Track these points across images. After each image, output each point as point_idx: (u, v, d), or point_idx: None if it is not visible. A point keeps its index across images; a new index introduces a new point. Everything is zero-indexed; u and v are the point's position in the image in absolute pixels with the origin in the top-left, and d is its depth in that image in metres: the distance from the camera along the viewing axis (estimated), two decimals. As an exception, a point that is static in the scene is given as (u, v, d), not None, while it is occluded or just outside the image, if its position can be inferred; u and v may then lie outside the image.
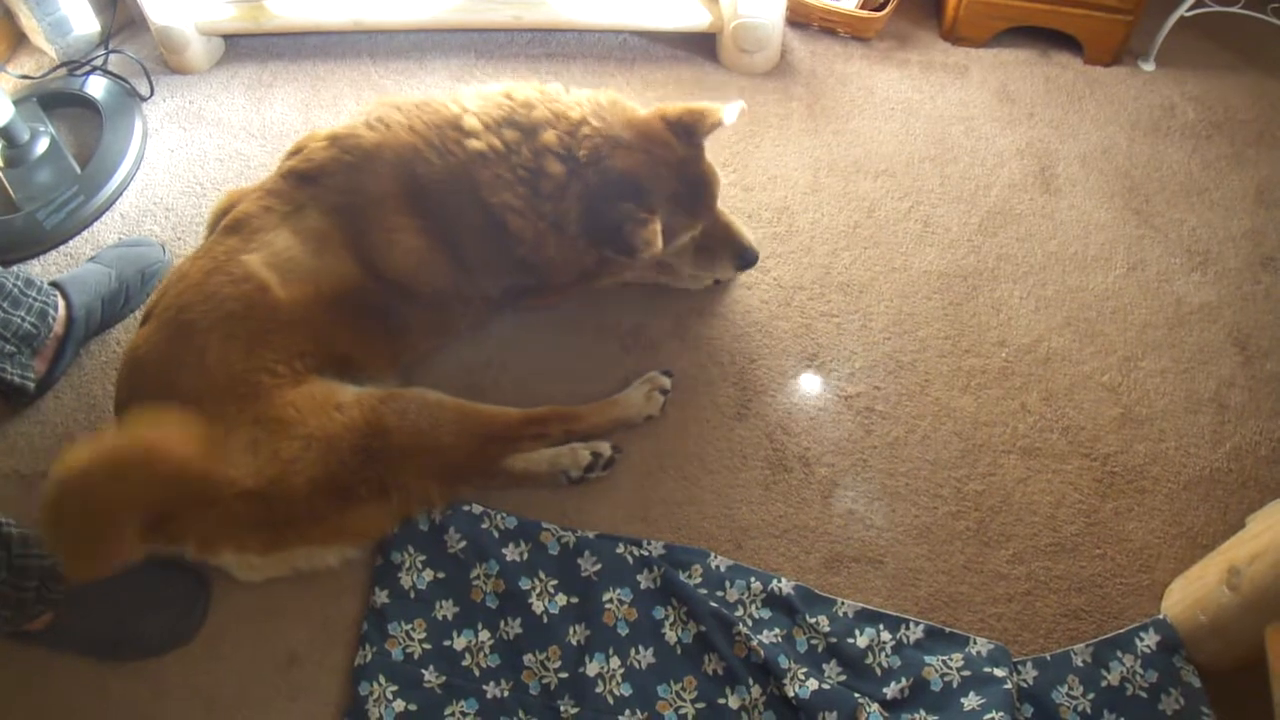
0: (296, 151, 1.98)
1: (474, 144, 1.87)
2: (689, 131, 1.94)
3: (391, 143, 1.89)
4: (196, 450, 1.62)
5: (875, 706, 1.72)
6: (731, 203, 2.42)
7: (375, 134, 1.90)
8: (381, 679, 1.79)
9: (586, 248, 1.95)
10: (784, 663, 1.76)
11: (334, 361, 1.87)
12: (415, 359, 2.09)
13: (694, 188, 1.97)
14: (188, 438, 1.61)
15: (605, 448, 2.00)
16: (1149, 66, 2.76)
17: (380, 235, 1.89)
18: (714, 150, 2.48)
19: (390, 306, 1.94)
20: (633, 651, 1.81)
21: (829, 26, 2.81)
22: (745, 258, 2.10)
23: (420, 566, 1.89)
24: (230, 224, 1.90)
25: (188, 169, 2.56)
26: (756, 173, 2.49)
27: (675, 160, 1.92)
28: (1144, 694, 1.76)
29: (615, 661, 1.80)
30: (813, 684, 1.74)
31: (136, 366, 1.80)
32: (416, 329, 2.02)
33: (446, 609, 1.87)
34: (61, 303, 2.13)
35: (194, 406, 1.70)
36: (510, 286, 2.07)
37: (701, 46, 2.78)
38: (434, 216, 1.90)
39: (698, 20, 2.68)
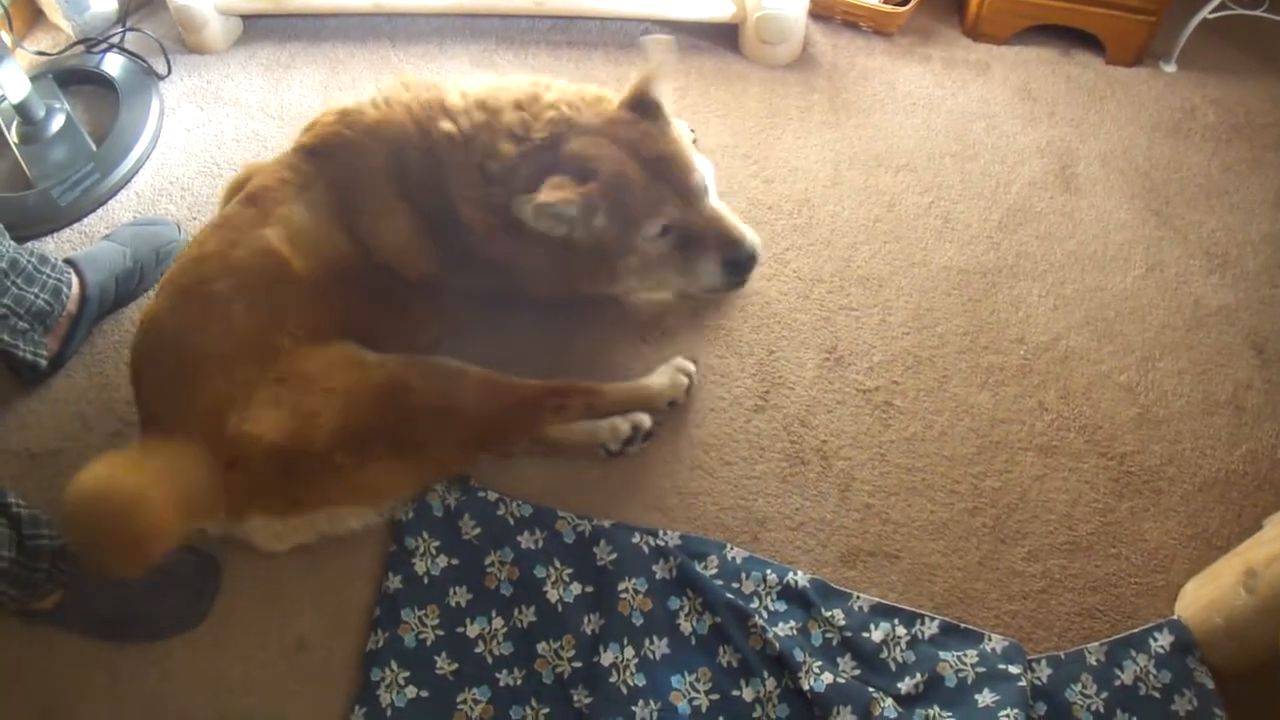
0: (311, 127, 1.99)
1: (446, 126, 1.84)
2: (639, 101, 1.84)
3: (388, 121, 1.89)
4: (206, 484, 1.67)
5: (889, 701, 1.72)
6: (752, 194, 2.41)
7: (377, 112, 1.91)
8: (393, 665, 1.79)
9: (537, 243, 1.84)
10: (799, 655, 1.76)
11: (347, 333, 1.88)
12: (426, 341, 2.07)
13: (656, 168, 1.82)
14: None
15: (645, 420, 1.99)
16: (1170, 68, 2.74)
17: (370, 213, 1.89)
18: (736, 141, 2.50)
19: (390, 288, 1.94)
20: (647, 642, 1.81)
21: (852, 20, 2.79)
22: (734, 260, 1.90)
23: (434, 552, 1.88)
24: (248, 196, 1.91)
25: (204, 149, 2.55)
26: (777, 165, 2.48)
27: (631, 140, 1.81)
28: (1157, 694, 1.76)
29: (629, 651, 1.79)
30: (827, 677, 1.74)
31: (156, 334, 1.81)
32: (419, 313, 2.01)
33: (460, 596, 1.86)
34: (75, 280, 2.12)
35: (218, 371, 1.72)
36: (487, 286, 2.04)
37: (723, 37, 2.77)
38: (418, 199, 1.89)
39: (720, 11, 2.67)
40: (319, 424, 1.73)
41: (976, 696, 1.75)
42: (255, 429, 1.70)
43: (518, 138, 1.81)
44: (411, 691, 1.77)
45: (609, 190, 1.78)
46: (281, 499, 1.76)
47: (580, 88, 1.89)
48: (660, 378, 2.06)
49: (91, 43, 2.76)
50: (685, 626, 1.83)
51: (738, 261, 1.91)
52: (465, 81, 1.92)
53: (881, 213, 2.40)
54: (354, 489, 1.80)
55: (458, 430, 1.87)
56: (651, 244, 1.87)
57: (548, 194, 1.73)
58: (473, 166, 1.83)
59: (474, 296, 2.08)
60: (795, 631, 1.83)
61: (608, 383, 2.04)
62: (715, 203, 1.93)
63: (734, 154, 2.49)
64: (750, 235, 1.92)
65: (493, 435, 1.93)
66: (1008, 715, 1.69)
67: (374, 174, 1.88)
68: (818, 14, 2.80)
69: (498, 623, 1.84)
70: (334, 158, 1.90)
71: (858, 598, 1.87)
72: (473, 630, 1.83)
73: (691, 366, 2.08)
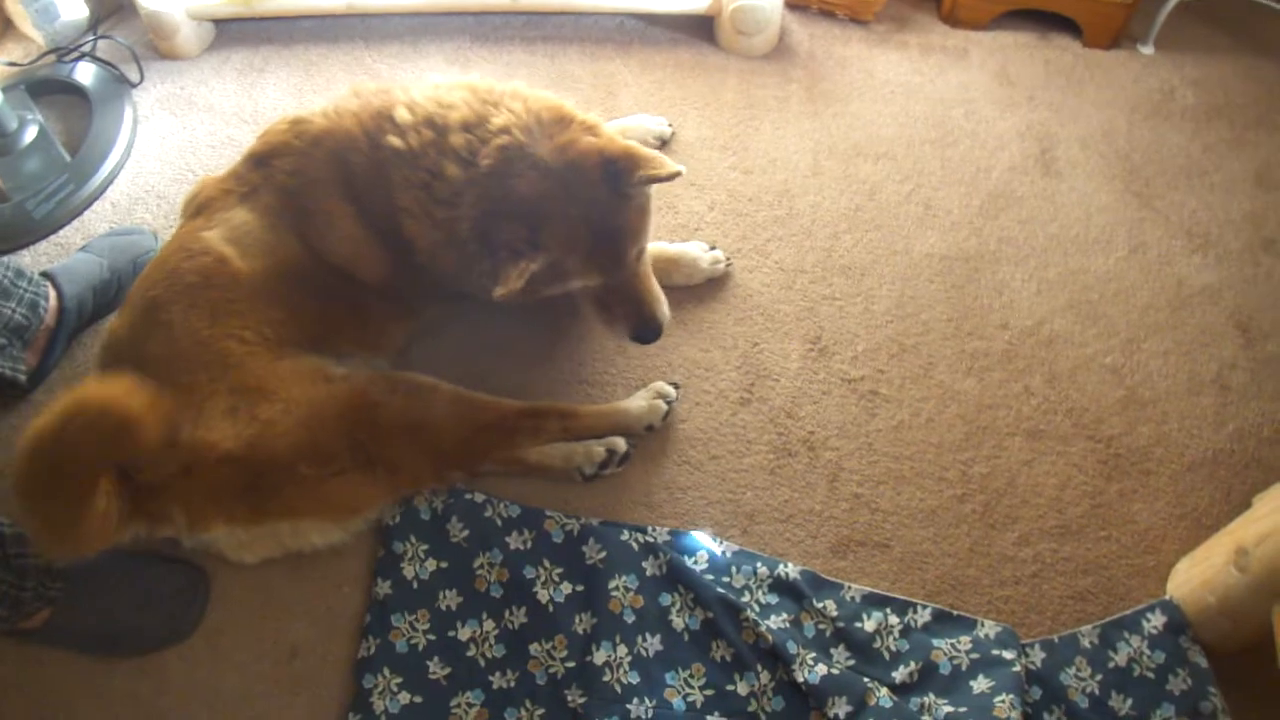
0: (263, 136, 1.98)
1: (394, 141, 1.80)
2: (617, 176, 1.72)
3: (335, 130, 1.86)
4: (152, 398, 1.57)
5: (884, 690, 1.72)
6: (731, 186, 2.40)
7: (327, 120, 1.88)
8: (386, 671, 1.77)
9: (484, 263, 1.77)
10: (792, 648, 1.75)
11: (308, 337, 1.86)
12: (392, 346, 2.05)
13: (604, 239, 1.76)
14: (142, 388, 1.56)
15: (621, 444, 1.98)
16: (1148, 50, 2.75)
17: (319, 220, 1.87)
18: (714, 133, 2.49)
19: (347, 292, 1.92)
20: (639, 639, 1.80)
21: (828, 9, 2.79)
22: (641, 333, 1.91)
23: (423, 556, 1.87)
24: (195, 208, 1.91)
25: (179, 156, 2.53)
26: (756, 156, 2.47)
27: (591, 202, 1.73)
28: (1151, 675, 1.76)
29: (622, 649, 1.78)
30: (821, 669, 1.73)
31: (110, 350, 1.81)
32: (377, 316, 1.99)
33: (450, 599, 1.85)
34: (53, 293, 2.09)
35: (165, 379, 1.67)
36: (444, 292, 2.01)
37: (700, 29, 2.75)
38: (366, 206, 1.87)
39: (696, 3, 2.66)
40: (278, 433, 1.71)
41: (971, 683, 1.74)
42: (210, 436, 1.68)
43: (465, 162, 1.75)
44: (405, 697, 1.76)
45: (552, 260, 1.73)
46: (244, 507, 1.74)
47: (540, 101, 1.80)
48: (639, 402, 2.04)
49: (63, 52, 2.73)
50: (677, 622, 1.82)
51: (642, 337, 1.92)
52: (416, 89, 1.87)
53: (862, 201, 2.40)
54: (320, 502, 1.78)
55: (427, 447, 1.85)
56: (573, 289, 1.87)
57: (503, 289, 1.66)
58: (417, 184, 1.79)
59: (434, 301, 2.06)
60: (788, 624, 1.82)
61: (585, 405, 2.03)
62: (646, 268, 1.91)
63: (712, 146, 2.48)
64: (663, 312, 1.92)
65: (464, 455, 1.91)
66: (1003, 701, 1.68)
67: (320, 181, 1.86)
68: (794, 3, 2.79)
69: (489, 625, 1.83)
70: (281, 164, 1.88)
71: (849, 588, 1.86)
72: (464, 633, 1.82)
73: (672, 392, 2.06)
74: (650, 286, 1.91)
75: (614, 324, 1.93)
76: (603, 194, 1.73)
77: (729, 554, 1.89)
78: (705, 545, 1.90)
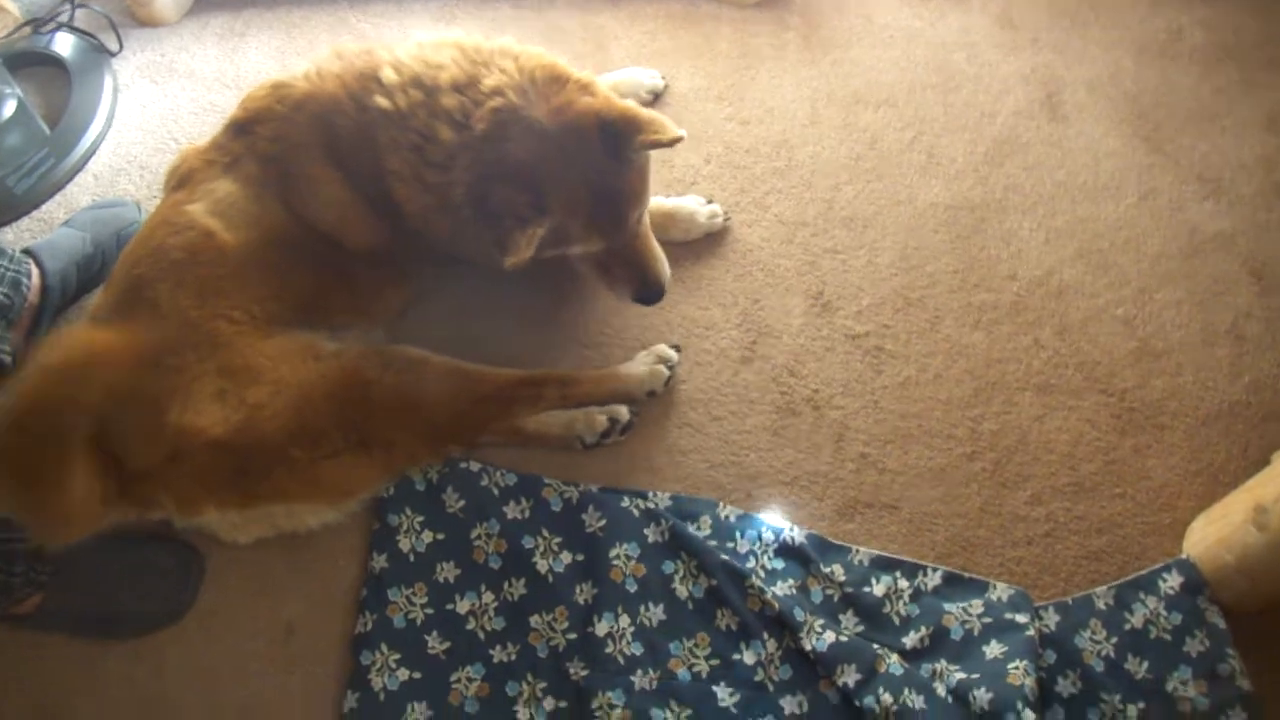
0: (244, 102, 1.91)
1: (381, 102, 1.73)
2: (616, 141, 1.67)
3: (318, 94, 1.80)
4: (131, 346, 1.58)
5: (895, 657, 1.68)
6: (728, 138, 2.33)
7: (308, 84, 1.82)
8: (384, 647, 1.73)
9: (482, 229, 1.72)
10: (799, 615, 1.71)
11: (295, 308, 1.81)
12: (388, 313, 2.00)
13: (605, 203, 1.72)
14: (102, 328, 1.57)
15: (623, 412, 1.93)
16: (1155, -13, 2.66)
17: (304, 186, 1.82)
18: (709, 84, 2.41)
19: (337, 259, 1.86)
20: (642, 609, 1.76)
21: (823, -48, 2.70)
22: (644, 295, 1.88)
23: (418, 528, 1.82)
24: (177, 180, 1.86)
25: (161, 124, 2.45)
26: (753, 106, 2.39)
27: (591, 165, 1.68)
28: (1168, 636, 1.73)
29: (625, 620, 1.74)
30: (830, 636, 1.69)
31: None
32: (370, 283, 1.94)
33: (448, 571, 1.80)
34: (35, 271, 2.04)
35: (151, 360, 1.64)
36: (435, 257, 1.97)
37: (691, -23, 2.67)
38: (352, 170, 1.81)
39: (686, -51, 2.57)
40: (267, 417, 1.66)
41: (984, 648, 1.71)
42: (198, 421, 1.63)
43: (458, 124, 1.68)
44: (404, 674, 1.72)
45: (555, 225, 1.68)
46: (234, 492, 1.70)
47: (532, 59, 1.73)
48: (639, 367, 1.98)
49: (40, 23, 2.63)
50: (681, 591, 1.78)
51: (645, 299, 1.90)
52: (401, 48, 1.80)
53: (863, 151, 2.32)
54: (312, 484, 1.74)
55: (423, 424, 1.80)
56: (574, 254, 1.83)
57: (514, 258, 1.61)
58: (407, 147, 1.73)
59: (426, 265, 2.01)
60: (794, 590, 1.78)
61: (583, 371, 1.97)
62: (646, 228, 1.87)
63: (707, 97, 2.40)
64: (665, 272, 1.89)
65: (461, 428, 1.86)
66: (1016, 667, 1.64)
67: (304, 146, 1.80)
68: (789, -53, 2.70)
69: (488, 597, 1.78)
70: (263, 131, 1.83)
71: (857, 551, 1.82)
72: (463, 606, 1.78)
73: (674, 355, 2.00)
74: (651, 247, 1.87)
75: (615, 286, 1.89)
76: (602, 157, 1.68)
77: (733, 518, 1.85)
78: (773, 527, 1.85)
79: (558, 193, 1.66)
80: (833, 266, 2.14)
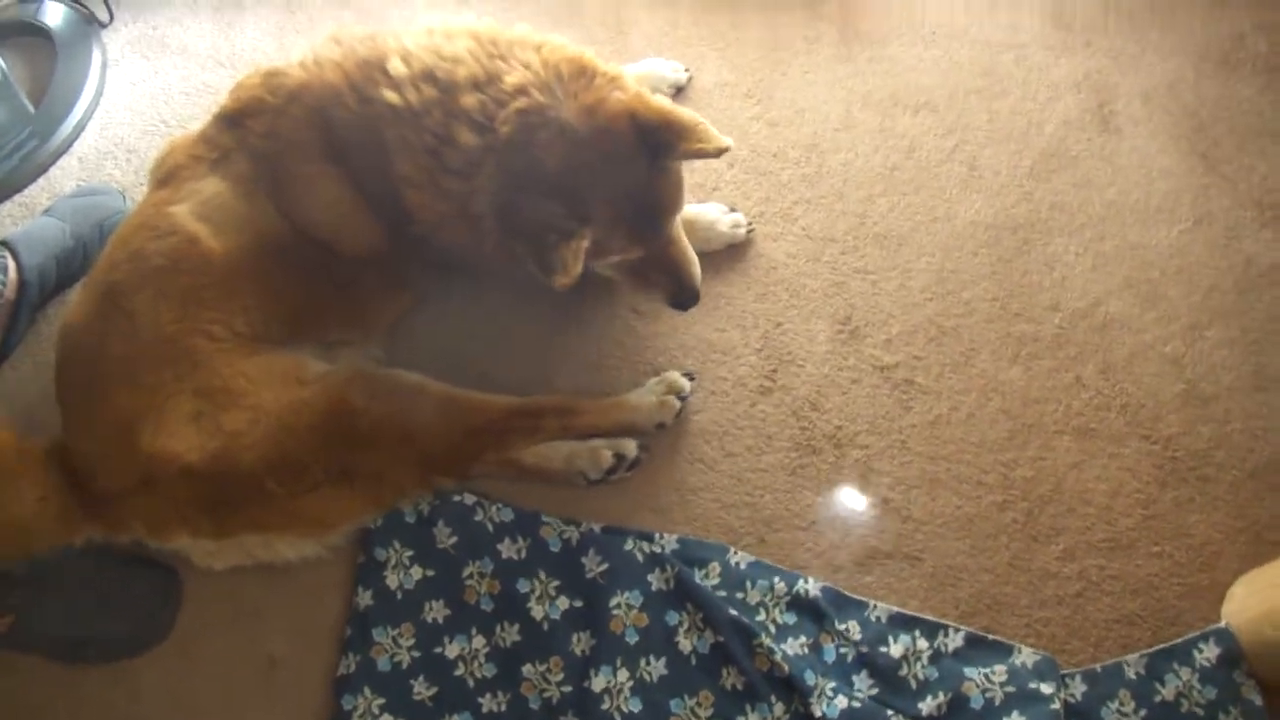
0: (234, 90, 1.79)
1: (389, 96, 1.60)
2: (658, 147, 1.57)
3: (314, 84, 1.68)
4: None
5: (910, 726, 1.59)
6: (754, 140, 2.19)
7: (304, 73, 1.70)
8: (367, 691, 1.66)
9: (504, 240, 1.61)
10: (810, 678, 1.62)
11: (285, 321, 1.72)
12: (385, 324, 1.91)
13: (644, 211, 1.63)
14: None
15: (631, 447, 1.81)
16: (1218, -13, 2.49)
17: (298, 186, 1.71)
18: (735, 78, 2.29)
19: (332, 266, 1.76)
20: (643, 663, 1.67)
21: (865, -64, 2.53)
22: (680, 300, 1.78)
23: (407, 563, 1.73)
24: (162, 176, 1.76)
25: (151, 105, 2.33)
26: (782, 105, 2.24)
27: (627, 170, 1.57)
28: (1200, 710, 1.64)
29: (623, 674, 1.65)
30: (841, 701, 1.61)
31: (67, 340, 1.69)
32: (368, 292, 1.84)
33: (437, 611, 1.71)
34: (11, 264, 1.95)
35: (122, 376, 1.59)
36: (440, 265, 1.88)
37: (721, -41, 2.50)
38: (353, 169, 1.69)
39: (717, -72, 2.40)
40: (245, 446, 1.58)
41: (1005, 719, 1.61)
42: (171, 446, 1.57)
43: (479, 126, 1.55)
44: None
45: (598, 239, 1.57)
46: (208, 521, 1.64)
47: (555, 51, 1.61)
48: (649, 396, 1.86)
49: (29, -10, 2.51)
50: (684, 645, 1.69)
51: (681, 304, 1.80)
52: (408, 36, 1.67)
53: (900, 160, 2.18)
54: (292, 517, 1.66)
55: (412, 456, 1.70)
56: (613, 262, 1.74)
57: (565, 278, 1.51)
58: (423, 149, 1.60)
59: (428, 272, 1.92)
60: (806, 649, 1.69)
61: (587, 400, 1.86)
62: (679, 229, 1.77)
63: (734, 93, 2.26)
64: (699, 275, 1.79)
65: (452, 460, 1.76)
66: (1040, 742, 1.55)
67: (299, 142, 1.69)
68: (828, -71, 2.53)
69: (479, 642, 1.70)
70: (254, 124, 1.71)
71: (875, 607, 1.72)
72: (452, 650, 1.69)
73: (686, 385, 1.88)
74: (685, 250, 1.76)
75: (649, 292, 1.81)
76: (638, 161, 1.57)
77: (744, 566, 1.75)
78: (787, 576, 1.76)
79: (596, 202, 1.55)
80: (862, 289, 2.01)
